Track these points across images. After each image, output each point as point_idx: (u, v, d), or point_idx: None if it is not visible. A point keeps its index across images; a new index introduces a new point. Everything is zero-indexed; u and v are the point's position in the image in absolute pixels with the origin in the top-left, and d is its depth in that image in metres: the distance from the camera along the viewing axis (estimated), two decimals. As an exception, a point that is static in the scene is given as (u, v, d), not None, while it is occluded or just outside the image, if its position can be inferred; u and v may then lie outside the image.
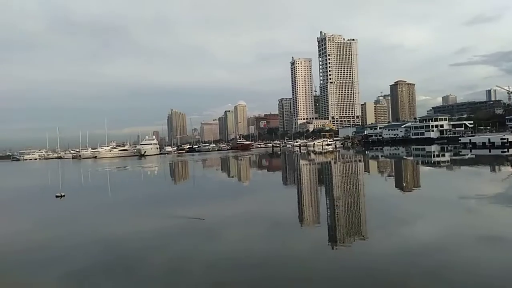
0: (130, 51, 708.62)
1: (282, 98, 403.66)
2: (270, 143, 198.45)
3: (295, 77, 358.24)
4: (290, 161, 66.87)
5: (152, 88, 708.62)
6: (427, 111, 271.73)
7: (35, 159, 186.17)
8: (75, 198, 26.72)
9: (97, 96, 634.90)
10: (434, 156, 59.34)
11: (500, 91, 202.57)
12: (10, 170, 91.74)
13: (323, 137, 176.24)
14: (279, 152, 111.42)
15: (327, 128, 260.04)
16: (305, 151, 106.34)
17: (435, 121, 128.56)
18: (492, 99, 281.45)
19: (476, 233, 12.17)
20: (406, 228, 13.46)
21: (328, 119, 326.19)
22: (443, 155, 60.68)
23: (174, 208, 20.03)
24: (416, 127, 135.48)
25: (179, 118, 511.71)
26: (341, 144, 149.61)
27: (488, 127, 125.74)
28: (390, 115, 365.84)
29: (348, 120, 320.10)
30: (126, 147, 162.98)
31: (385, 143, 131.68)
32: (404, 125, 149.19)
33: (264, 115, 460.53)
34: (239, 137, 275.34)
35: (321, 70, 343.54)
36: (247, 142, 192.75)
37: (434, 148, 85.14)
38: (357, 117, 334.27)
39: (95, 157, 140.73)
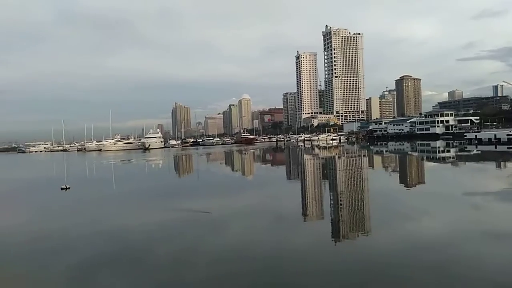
0: (135, 45, 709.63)
1: (287, 92, 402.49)
2: (274, 137, 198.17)
3: (300, 71, 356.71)
4: (294, 156, 66.83)
5: (157, 81, 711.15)
6: (433, 106, 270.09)
7: (41, 151, 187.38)
8: (80, 190, 26.90)
9: (102, 89, 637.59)
10: (439, 152, 58.99)
11: (507, 86, 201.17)
12: (16, 162, 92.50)
13: (328, 132, 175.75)
14: (283, 147, 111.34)
15: (331, 123, 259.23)
16: (309, 146, 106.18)
17: (440, 116, 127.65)
18: (499, 94, 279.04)
19: (481, 229, 12.13)
20: (410, 223, 13.43)
21: (332, 113, 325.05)
22: (448, 151, 60.32)
23: (179, 201, 20.14)
24: (421, 123, 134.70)
25: (184, 112, 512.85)
26: (346, 139, 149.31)
27: (495, 123, 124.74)
28: (396, 110, 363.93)
29: (353, 115, 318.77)
30: (130, 140, 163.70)
31: (390, 139, 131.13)
32: (409, 121, 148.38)
33: (269, 109, 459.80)
34: (243, 131, 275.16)
35: (326, 64, 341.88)
36: (251, 136, 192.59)
37: (439, 143, 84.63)
38: (362, 112, 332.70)
39: (100, 150, 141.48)
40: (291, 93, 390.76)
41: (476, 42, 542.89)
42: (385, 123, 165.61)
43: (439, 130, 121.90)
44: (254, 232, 12.99)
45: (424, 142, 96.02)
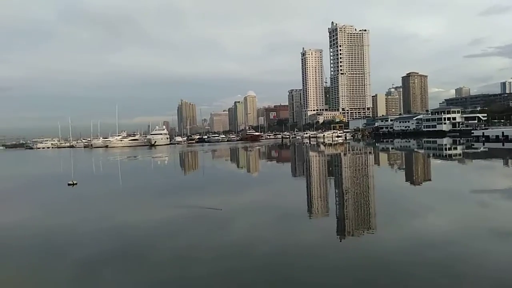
0: (140, 43, 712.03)
1: (292, 89, 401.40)
2: (280, 134, 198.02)
3: (305, 68, 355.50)
4: (299, 153, 66.77)
5: (162, 78, 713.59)
6: (440, 103, 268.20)
7: (48, 147, 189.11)
8: (87, 186, 27.16)
9: (107, 86, 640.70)
10: (445, 149, 58.60)
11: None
12: (24, 158, 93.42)
13: (333, 129, 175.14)
14: (289, 144, 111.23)
15: (337, 120, 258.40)
16: (315, 143, 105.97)
17: (447, 113, 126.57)
18: (507, 91, 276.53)
19: (487, 226, 12.07)
20: (415, 220, 13.41)
21: (338, 110, 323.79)
22: (455, 148, 59.89)
23: (187, 198, 20.28)
24: (427, 120, 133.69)
25: (189, 109, 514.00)
26: (351, 136, 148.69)
27: (502, 120, 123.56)
28: (402, 107, 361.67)
29: (358, 112, 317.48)
30: (136, 137, 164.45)
31: (396, 136, 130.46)
32: (415, 118, 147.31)
33: (274, 106, 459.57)
34: (249, 128, 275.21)
35: (332, 61, 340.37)
36: (257, 133, 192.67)
37: (445, 141, 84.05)
38: (368, 109, 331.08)
39: (106, 146, 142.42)
40: (296, 90, 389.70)
41: (483, 38, 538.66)
42: (391, 120, 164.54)
43: (445, 127, 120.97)
44: (261, 228, 13.04)
45: (431, 139, 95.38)
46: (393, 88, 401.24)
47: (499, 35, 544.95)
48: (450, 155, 47.75)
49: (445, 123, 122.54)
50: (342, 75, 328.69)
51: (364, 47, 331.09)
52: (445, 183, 22.95)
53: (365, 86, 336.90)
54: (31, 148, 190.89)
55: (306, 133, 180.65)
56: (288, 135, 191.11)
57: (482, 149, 54.15)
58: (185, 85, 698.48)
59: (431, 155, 49.30)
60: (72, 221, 15.26)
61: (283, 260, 9.53)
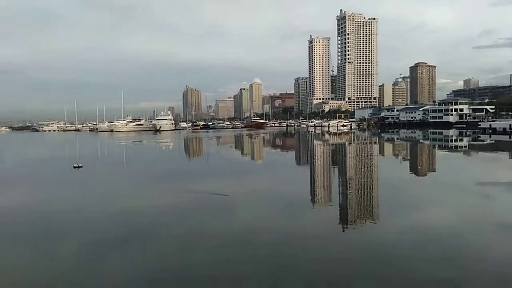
0: (148, 28, 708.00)
1: (298, 77, 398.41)
2: (285, 122, 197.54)
3: (312, 56, 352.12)
4: (304, 141, 66.65)
5: (169, 63, 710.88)
6: (447, 94, 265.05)
7: (54, 130, 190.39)
8: (92, 169, 27.36)
9: (114, 71, 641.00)
10: (451, 141, 58.20)
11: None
12: (30, 140, 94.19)
13: (339, 118, 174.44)
14: (293, 132, 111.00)
15: (343, 109, 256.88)
16: (320, 132, 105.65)
17: (454, 104, 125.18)
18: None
19: (491, 220, 11.99)
20: (419, 212, 13.37)
21: (344, 99, 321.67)
22: (461, 140, 59.46)
23: (192, 183, 20.33)
24: (434, 111, 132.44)
25: (195, 95, 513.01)
26: (357, 125, 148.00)
27: (510, 113, 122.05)
28: (409, 97, 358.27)
29: (365, 102, 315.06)
30: (141, 122, 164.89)
31: (401, 126, 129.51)
32: (422, 108, 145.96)
33: (280, 94, 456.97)
34: (254, 115, 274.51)
35: (339, 50, 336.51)
36: (262, 121, 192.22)
37: (452, 132, 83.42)
38: (374, 98, 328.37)
39: (112, 131, 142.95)
40: (302, 78, 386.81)
41: (493, 30, 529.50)
42: (397, 111, 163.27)
43: (452, 118, 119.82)
44: (265, 216, 13.07)
45: (437, 130, 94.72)
46: (400, 78, 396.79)
47: (510, 26, 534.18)
48: (455, 147, 47.44)
49: (452, 115, 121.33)
50: (349, 64, 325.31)
51: (372, 35, 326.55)
52: (450, 175, 22.84)
53: (372, 75, 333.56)
54: (37, 131, 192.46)
55: (311, 122, 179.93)
56: (293, 123, 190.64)
57: (488, 141, 53.72)
58: (191, 71, 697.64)
59: (437, 146, 49.00)
60: (77, 204, 15.39)
61: (286, 249, 9.56)
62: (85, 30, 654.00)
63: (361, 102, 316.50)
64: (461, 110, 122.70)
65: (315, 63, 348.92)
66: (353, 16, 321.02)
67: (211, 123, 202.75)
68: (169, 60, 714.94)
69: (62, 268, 8.60)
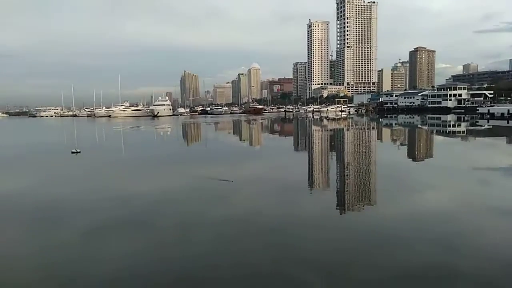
0: (145, 11, 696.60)
1: (297, 62, 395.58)
2: (283, 107, 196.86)
3: (311, 40, 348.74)
4: (302, 127, 66.61)
5: (165, 47, 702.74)
6: (446, 79, 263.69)
7: (51, 116, 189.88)
8: (90, 154, 27.34)
9: (111, 54, 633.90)
10: (449, 126, 58.27)
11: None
12: (27, 126, 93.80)
13: (337, 103, 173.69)
14: (291, 117, 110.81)
15: (341, 94, 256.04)
16: (318, 117, 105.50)
17: (453, 90, 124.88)
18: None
19: (487, 204, 12.12)
20: (416, 196, 13.50)
21: (343, 85, 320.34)
22: (459, 125, 59.54)
23: (195, 169, 20.39)
24: (433, 96, 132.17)
25: (192, 80, 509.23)
26: (355, 111, 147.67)
27: (509, 98, 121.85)
28: (408, 83, 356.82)
29: (363, 87, 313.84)
30: (139, 107, 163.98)
31: (400, 111, 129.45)
32: (421, 93, 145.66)
33: (278, 79, 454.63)
34: (252, 100, 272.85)
35: (338, 34, 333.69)
36: (260, 106, 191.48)
37: (450, 117, 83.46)
38: (373, 83, 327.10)
39: (109, 116, 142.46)
40: (301, 63, 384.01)
41: (495, 13, 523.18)
42: (396, 96, 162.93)
43: (451, 103, 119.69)
44: (264, 200, 13.17)
45: (435, 115, 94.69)
46: (399, 63, 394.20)
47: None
48: (453, 132, 47.52)
49: (450, 100, 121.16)
50: (348, 48, 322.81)
51: (372, 20, 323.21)
52: (447, 160, 22.95)
53: (371, 60, 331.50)
54: (34, 116, 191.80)
55: (310, 107, 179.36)
56: (291, 109, 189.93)
57: (486, 126, 53.81)
58: (189, 56, 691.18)
59: (434, 131, 49.08)
60: (75, 188, 15.43)
61: (285, 231, 9.66)
62: (83, 13, 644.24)
63: (360, 87, 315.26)
64: (460, 95, 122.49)
65: (314, 48, 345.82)
66: (352, 0, 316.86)
67: (209, 109, 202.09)
68: (166, 44, 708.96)
69: (60, 254, 8.65)
